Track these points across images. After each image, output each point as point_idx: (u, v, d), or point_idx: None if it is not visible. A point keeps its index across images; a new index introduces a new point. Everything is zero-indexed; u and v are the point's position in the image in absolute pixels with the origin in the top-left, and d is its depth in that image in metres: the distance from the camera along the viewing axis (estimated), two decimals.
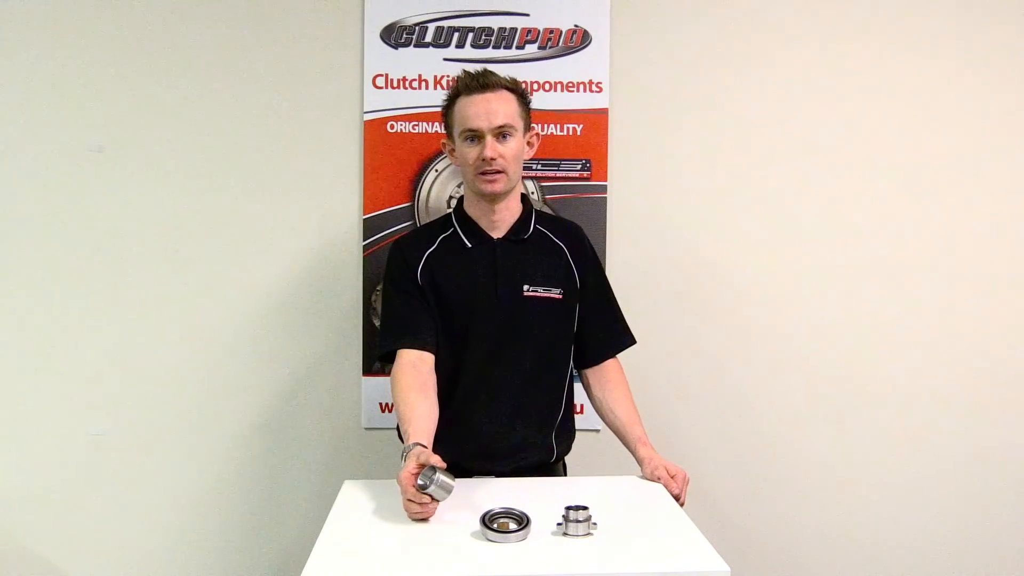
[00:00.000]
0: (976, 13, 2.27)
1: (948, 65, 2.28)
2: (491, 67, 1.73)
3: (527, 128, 1.74)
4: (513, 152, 1.70)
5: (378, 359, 1.81)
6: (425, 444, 1.52)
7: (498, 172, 1.68)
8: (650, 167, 2.26)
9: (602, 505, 1.42)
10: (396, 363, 1.70)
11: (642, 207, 2.26)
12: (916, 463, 2.32)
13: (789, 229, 2.28)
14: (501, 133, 1.68)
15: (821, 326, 2.30)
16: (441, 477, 1.39)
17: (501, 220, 1.77)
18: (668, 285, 2.27)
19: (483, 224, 1.77)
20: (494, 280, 1.74)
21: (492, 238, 1.77)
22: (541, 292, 1.75)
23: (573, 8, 2.21)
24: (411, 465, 1.43)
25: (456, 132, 1.72)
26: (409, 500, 1.41)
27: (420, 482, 1.39)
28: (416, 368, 1.68)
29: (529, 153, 1.77)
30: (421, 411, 1.61)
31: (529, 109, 1.75)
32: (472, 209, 1.78)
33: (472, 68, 1.73)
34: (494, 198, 1.73)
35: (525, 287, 1.74)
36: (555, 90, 2.21)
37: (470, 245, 1.77)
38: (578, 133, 2.23)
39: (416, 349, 1.70)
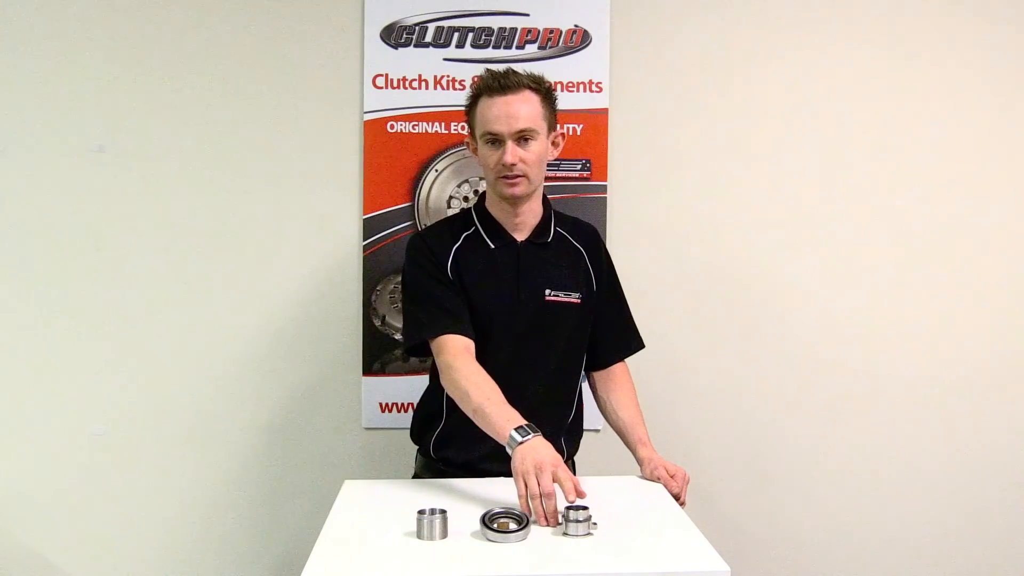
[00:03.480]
0: (983, 13, 2.28)
1: (951, 63, 2.28)
2: (515, 66, 1.69)
3: (551, 128, 1.70)
4: (535, 156, 1.65)
5: (407, 350, 1.75)
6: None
7: (519, 176, 1.65)
8: (650, 167, 2.26)
9: (602, 505, 1.41)
10: (447, 349, 1.62)
11: (642, 207, 2.26)
12: (919, 464, 2.32)
13: (789, 228, 2.28)
14: (522, 137, 1.64)
15: (822, 325, 2.30)
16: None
17: (523, 222, 1.74)
18: (668, 285, 2.27)
19: (506, 225, 1.74)
20: (517, 284, 1.72)
21: (515, 240, 1.74)
22: (562, 297, 1.74)
23: (573, 8, 2.21)
24: (567, 474, 1.39)
25: (478, 133, 1.68)
26: (540, 502, 1.37)
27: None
28: (472, 353, 1.62)
29: (554, 153, 1.73)
30: (499, 390, 1.55)
31: (555, 108, 1.71)
32: (494, 209, 1.75)
33: (496, 67, 1.68)
34: (516, 200, 1.70)
35: (547, 291, 1.73)
36: (555, 90, 2.19)
37: (493, 246, 1.73)
38: (578, 133, 2.23)
39: (464, 336, 1.64)
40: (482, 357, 1.68)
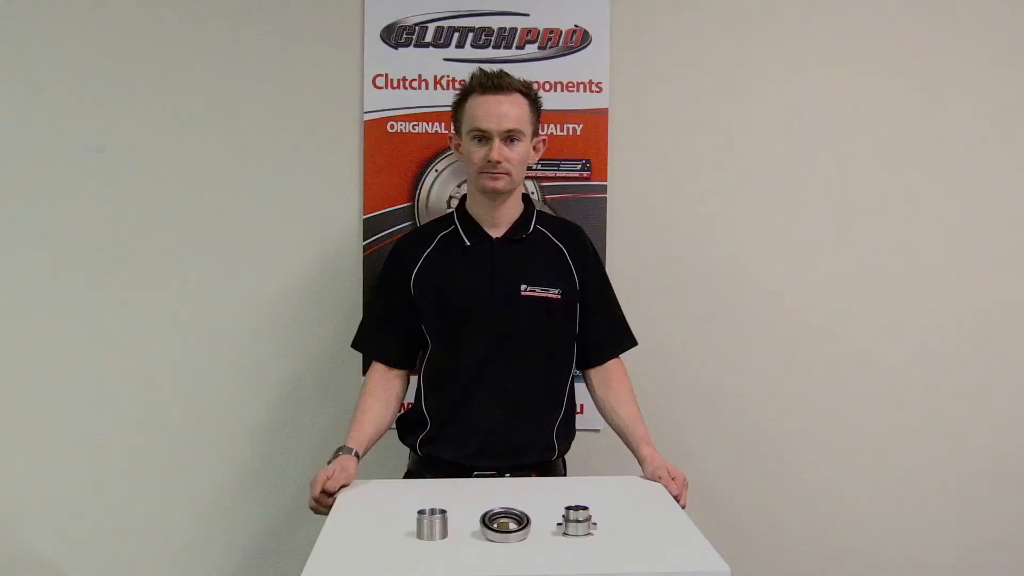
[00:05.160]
0: (984, 15, 2.27)
1: (954, 65, 2.28)
2: (505, 67, 1.74)
3: (535, 133, 1.76)
4: (519, 156, 1.71)
5: (352, 346, 1.91)
6: (359, 453, 1.70)
7: (502, 173, 1.70)
8: (650, 167, 2.25)
9: (602, 505, 1.41)
10: (371, 370, 1.82)
11: (642, 207, 2.25)
12: (918, 466, 2.32)
13: (789, 229, 2.28)
14: (509, 137, 1.69)
15: (822, 327, 2.30)
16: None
17: (501, 219, 1.78)
18: (668, 285, 2.27)
19: (484, 223, 1.78)
20: (491, 279, 1.74)
21: (490, 237, 1.78)
22: (539, 292, 1.75)
23: (573, 8, 2.21)
24: (337, 475, 1.61)
25: (465, 129, 1.73)
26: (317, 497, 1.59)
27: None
28: (385, 379, 1.80)
29: (534, 158, 1.79)
30: (371, 416, 1.75)
31: (539, 114, 1.77)
32: (474, 207, 1.79)
33: (488, 67, 1.74)
34: (495, 196, 1.74)
35: (523, 287, 1.75)
36: (555, 90, 2.21)
37: (469, 243, 1.78)
38: (578, 133, 2.23)
39: (388, 365, 1.81)
40: (460, 352, 1.74)
